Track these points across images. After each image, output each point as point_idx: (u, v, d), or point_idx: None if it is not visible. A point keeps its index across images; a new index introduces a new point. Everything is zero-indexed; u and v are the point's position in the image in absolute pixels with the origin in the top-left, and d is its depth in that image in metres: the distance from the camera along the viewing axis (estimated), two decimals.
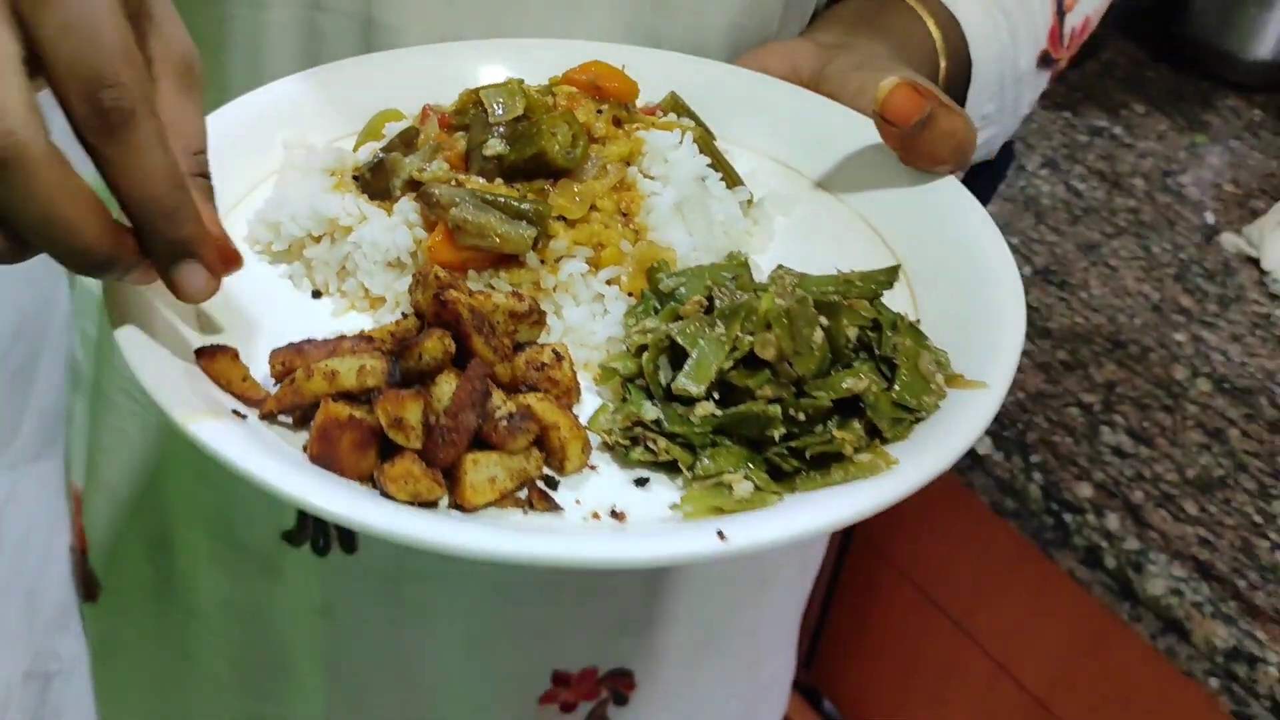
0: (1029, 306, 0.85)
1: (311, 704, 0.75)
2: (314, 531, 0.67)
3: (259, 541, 0.68)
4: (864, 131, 0.48)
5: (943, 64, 0.58)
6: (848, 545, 0.97)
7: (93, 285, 0.72)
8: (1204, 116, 1.09)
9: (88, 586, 0.80)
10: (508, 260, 0.42)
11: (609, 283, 0.42)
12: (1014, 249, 0.90)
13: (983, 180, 0.70)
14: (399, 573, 0.67)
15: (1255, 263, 0.92)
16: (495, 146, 0.43)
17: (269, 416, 0.38)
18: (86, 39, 0.31)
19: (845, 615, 1.01)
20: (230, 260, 0.37)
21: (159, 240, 0.34)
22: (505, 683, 0.73)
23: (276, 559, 0.68)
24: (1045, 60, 0.65)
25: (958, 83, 0.59)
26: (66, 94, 0.31)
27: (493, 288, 0.41)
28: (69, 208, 0.32)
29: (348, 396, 0.37)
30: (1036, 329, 0.85)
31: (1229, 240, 0.94)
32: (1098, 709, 0.79)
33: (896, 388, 0.38)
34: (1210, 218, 0.96)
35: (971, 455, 0.77)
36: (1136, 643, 0.72)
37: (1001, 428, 0.77)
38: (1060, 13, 0.64)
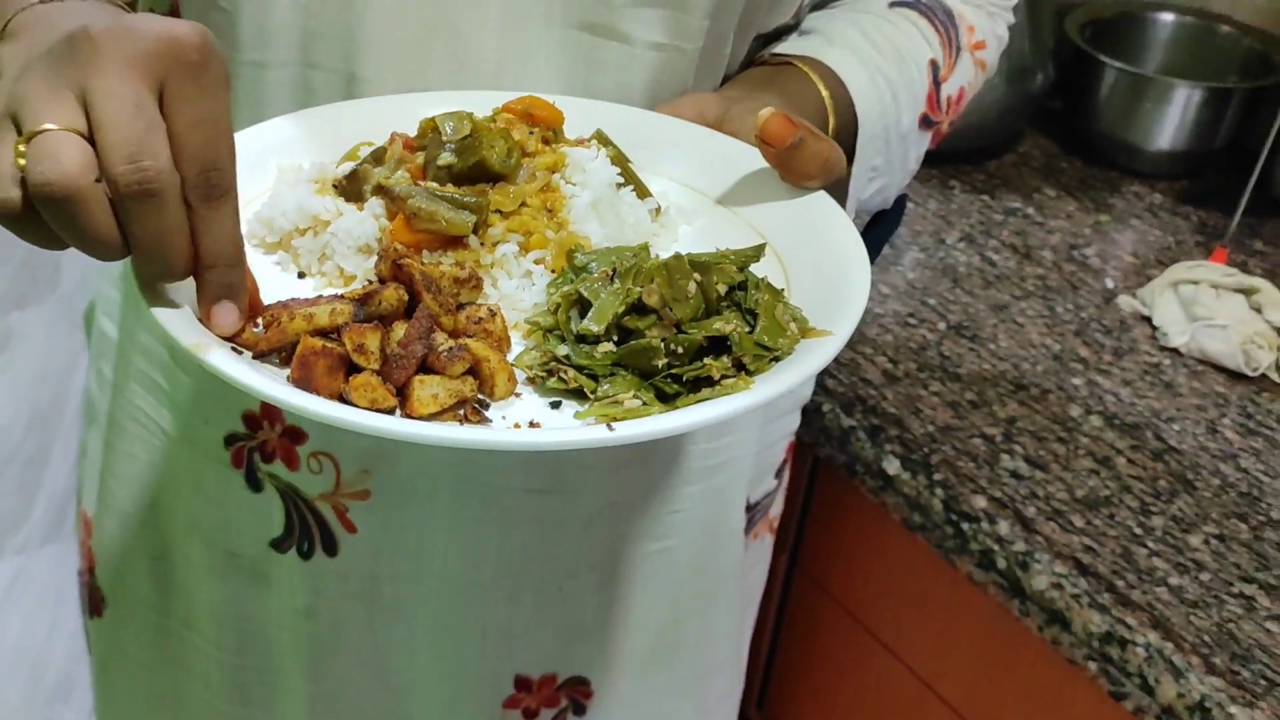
0: (943, 355, 0.96)
1: (296, 707, 0.82)
2: (299, 537, 0.75)
3: (249, 550, 0.76)
4: (755, 160, 0.59)
5: (831, 120, 0.69)
6: (790, 580, 1.05)
7: (109, 330, 0.82)
8: (1110, 200, 1.21)
9: (94, 603, 0.88)
10: (454, 242, 0.52)
11: (536, 262, 0.52)
12: (931, 309, 1.01)
13: (882, 225, 0.81)
14: (375, 573, 0.75)
15: (1148, 320, 1.03)
16: (446, 158, 0.54)
17: (261, 355, 0.48)
18: (212, 133, 0.43)
19: (794, 651, 1.09)
20: (255, 311, 0.47)
21: (215, 281, 0.45)
22: (472, 685, 0.80)
23: (264, 565, 0.76)
24: (926, 122, 0.76)
25: (847, 137, 0.71)
26: (187, 166, 0.42)
27: (441, 262, 0.52)
28: (178, 237, 0.43)
29: (322, 334, 0.47)
30: (948, 374, 0.95)
31: (1125, 301, 1.05)
32: (1010, 710, 0.87)
33: (757, 331, 0.48)
34: (1110, 283, 1.08)
35: (883, 476, 0.87)
36: (1030, 638, 0.80)
37: (909, 452, 0.87)
38: (936, 83, 0.76)
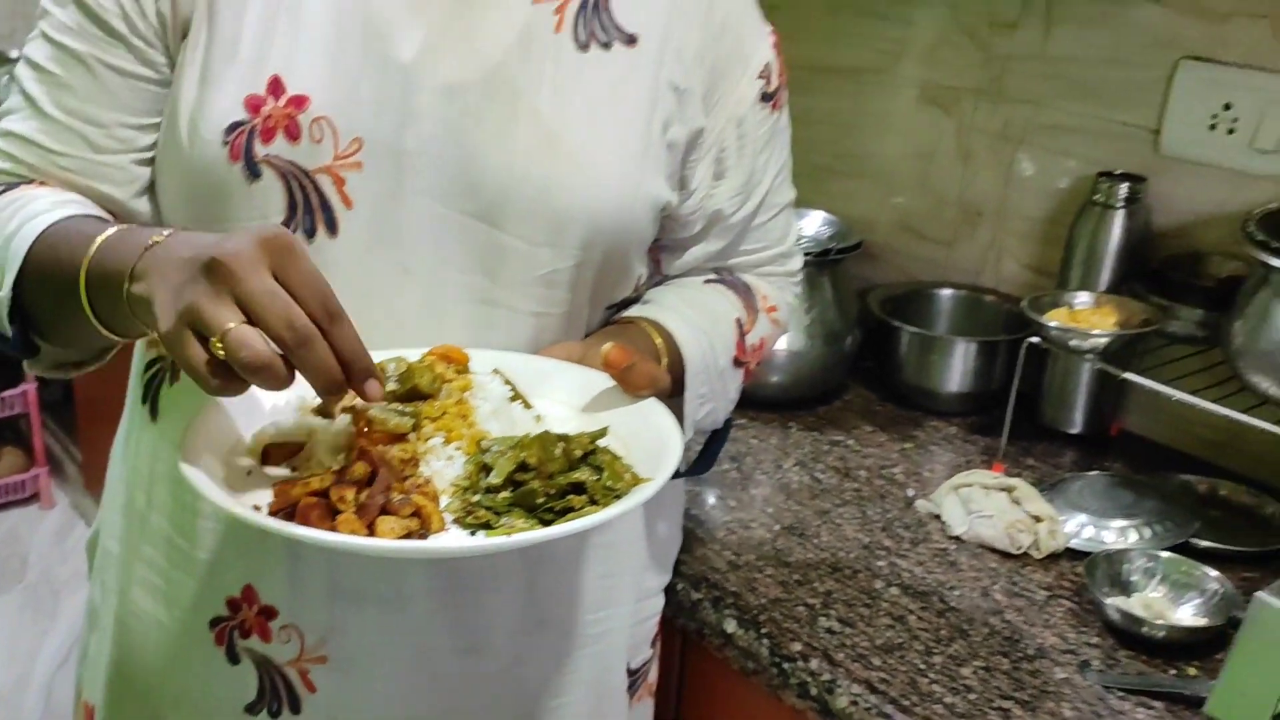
0: (776, 549, 1.21)
1: None
2: (270, 699, 0.95)
3: (227, 713, 0.95)
4: (607, 381, 0.86)
5: (664, 359, 0.97)
6: None
7: (113, 548, 1.03)
8: (914, 432, 1.51)
9: None
10: (399, 438, 0.77)
11: (455, 449, 0.78)
12: (769, 515, 1.27)
13: (712, 442, 1.08)
14: None
15: (938, 517, 1.30)
16: (391, 386, 0.80)
17: (274, 513, 0.71)
18: (315, 283, 0.66)
19: None
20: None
21: (357, 368, 0.68)
22: None
23: None
24: (737, 362, 1.04)
25: (678, 374, 0.98)
26: (311, 309, 0.66)
27: (390, 450, 0.77)
28: (329, 356, 0.66)
29: (315, 495, 0.71)
30: (780, 562, 1.20)
31: (921, 504, 1.32)
32: None
33: (603, 479, 0.73)
34: (910, 492, 1.36)
35: (723, 634, 1.10)
36: None
37: (743, 615, 1.11)
38: (742, 334, 1.04)
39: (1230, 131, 1.35)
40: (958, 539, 1.27)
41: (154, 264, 0.71)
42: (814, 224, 1.64)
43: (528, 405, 0.84)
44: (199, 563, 0.95)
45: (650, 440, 0.80)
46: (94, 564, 1.09)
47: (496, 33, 0.87)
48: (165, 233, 0.74)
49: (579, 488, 0.73)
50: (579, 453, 0.75)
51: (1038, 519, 1.26)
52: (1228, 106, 1.35)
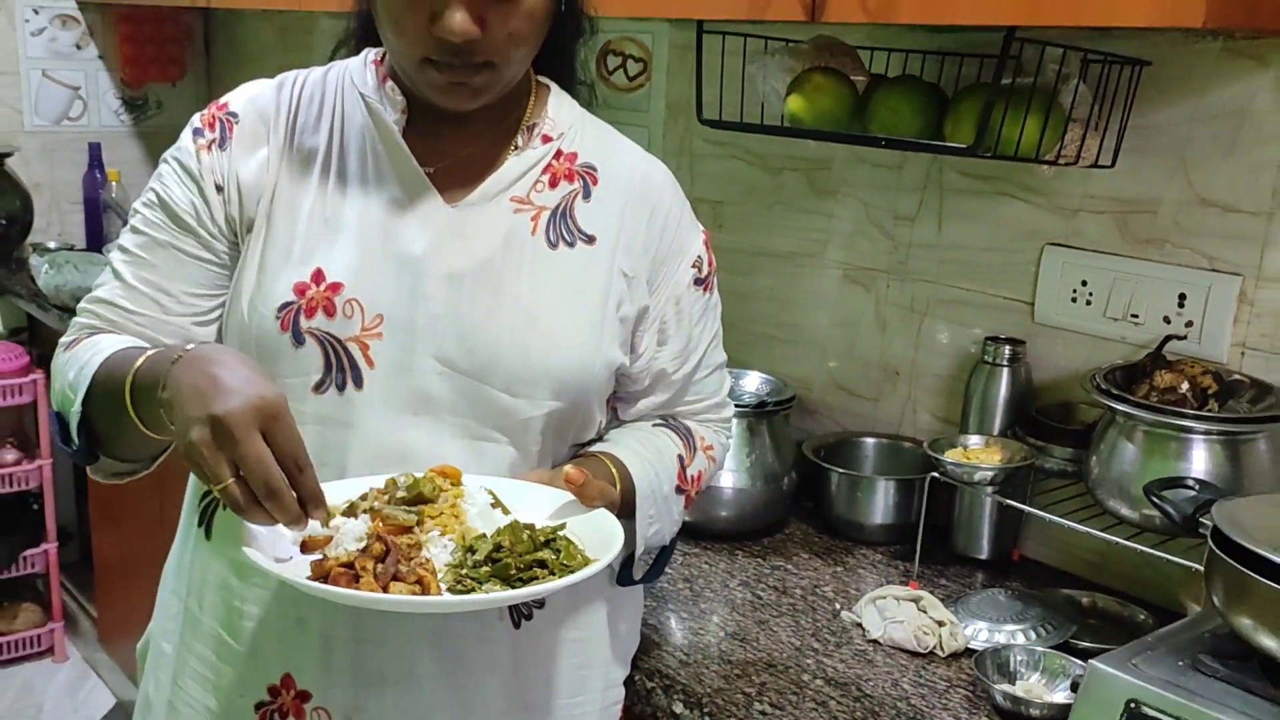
0: (720, 650, 1.44)
1: None
2: None
3: None
4: (568, 496, 1.11)
5: (618, 486, 1.22)
6: None
7: (167, 649, 1.26)
8: (845, 559, 1.75)
9: None
10: (406, 530, 1.02)
11: (449, 540, 1.03)
12: (716, 625, 1.51)
13: (661, 556, 1.32)
14: None
15: (860, 625, 1.53)
16: (400, 494, 1.06)
17: (315, 578, 0.96)
18: (292, 444, 0.94)
19: None
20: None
21: (310, 505, 0.95)
22: None
23: None
24: (679, 490, 1.29)
25: (630, 498, 1.23)
26: (285, 464, 0.94)
27: (400, 539, 1.02)
28: (294, 503, 0.94)
29: (343, 565, 0.96)
30: (724, 660, 1.43)
31: (845, 614, 1.56)
32: None
33: (561, 558, 0.98)
34: (838, 606, 1.59)
35: (672, 715, 1.32)
36: None
37: (689, 698, 1.33)
38: (683, 467, 1.30)
39: (1087, 303, 1.64)
40: (875, 641, 1.50)
41: (177, 379, 0.97)
42: (754, 383, 1.93)
43: (506, 511, 1.10)
44: (244, 656, 1.18)
45: (599, 535, 1.05)
46: (146, 665, 1.32)
47: (486, 235, 1.16)
48: (189, 348, 1.02)
49: (542, 564, 0.98)
50: (543, 539, 1.00)
51: (941, 624, 1.49)
52: (1084, 283, 1.64)
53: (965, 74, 1.60)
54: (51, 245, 3.28)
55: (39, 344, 3.22)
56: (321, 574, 0.97)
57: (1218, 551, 1.12)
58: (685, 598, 1.60)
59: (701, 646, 1.47)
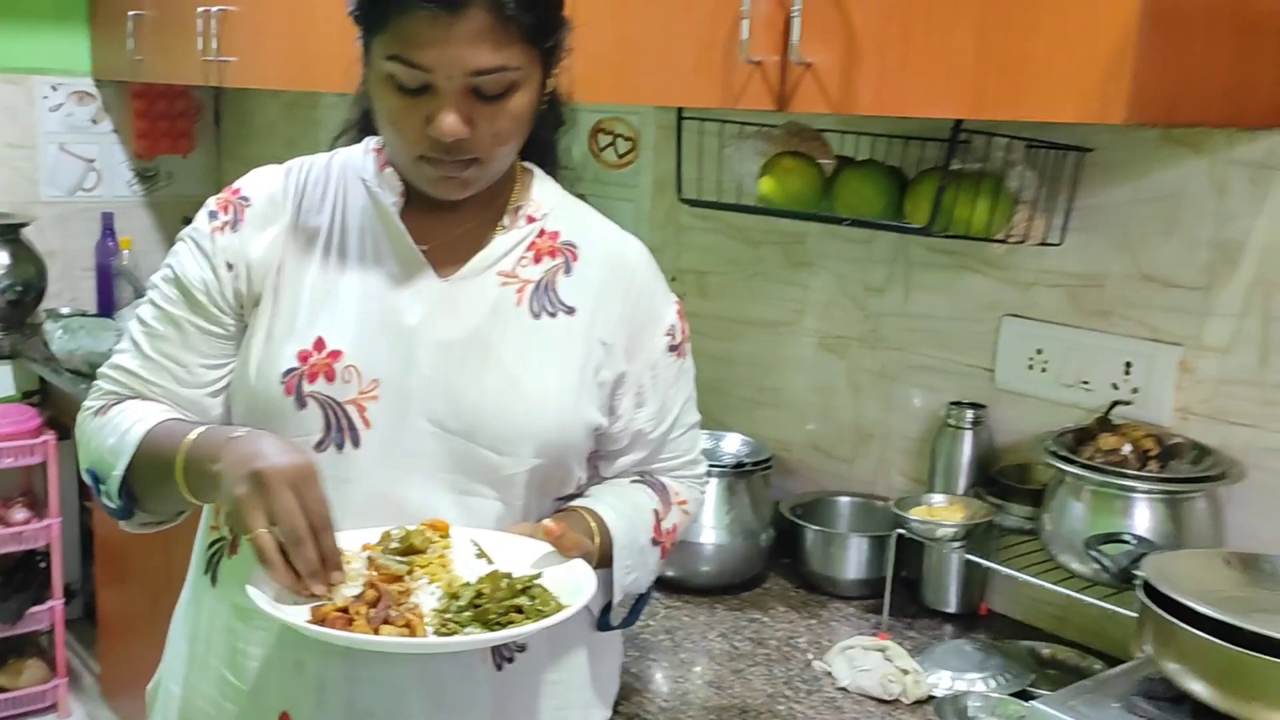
0: (698, 698, 1.52)
1: None
2: None
3: None
4: (547, 548, 1.21)
5: (597, 539, 1.31)
6: None
7: (175, 690, 1.36)
8: (819, 612, 1.83)
9: None
10: (398, 578, 1.12)
11: (437, 587, 1.12)
12: (695, 674, 1.59)
13: (638, 603, 1.41)
14: None
15: (830, 673, 1.62)
16: (394, 545, 1.15)
17: (313, 621, 1.05)
18: (317, 503, 1.06)
19: None
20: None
21: (329, 560, 1.07)
22: None
23: None
24: (654, 541, 1.39)
25: (608, 549, 1.32)
26: (313, 519, 1.06)
27: (391, 587, 1.11)
28: (315, 555, 1.06)
29: (339, 610, 1.05)
30: (699, 707, 1.51)
31: (817, 664, 1.64)
32: None
33: (535, 604, 1.08)
34: (810, 656, 1.68)
35: None
36: None
37: None
38: (658, 521, 1.39)
39: (1043, 370, 1.75)
40: (844, 689, 1.58)
41: (229, 452, 1.11)
42: (734, 444, 2.03)
43: (490, 561, 1.19)
44: (246, 694, 1.27)
45: (573, 583, 1.15)
46: (156, 706, 1.41)
47: (475, 306, 1.27)
48: (241, 431, 1.14)
49: (519, 609, 1.08)
50: (520, 586, 1.10)
51: (906, 672, 1.57)
52: (1039, 351, 1.75)
53: (926, 156, 1.71)
54: (65, 311, 3.40)
55: (51, 407, 3.32)
56: (319, 618, 1.06)
57: (1147, 602, 1.21)
58: (666, 648, 1.68)
59: (680, 693, 1.55)
